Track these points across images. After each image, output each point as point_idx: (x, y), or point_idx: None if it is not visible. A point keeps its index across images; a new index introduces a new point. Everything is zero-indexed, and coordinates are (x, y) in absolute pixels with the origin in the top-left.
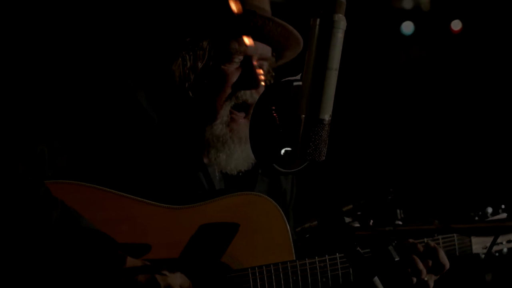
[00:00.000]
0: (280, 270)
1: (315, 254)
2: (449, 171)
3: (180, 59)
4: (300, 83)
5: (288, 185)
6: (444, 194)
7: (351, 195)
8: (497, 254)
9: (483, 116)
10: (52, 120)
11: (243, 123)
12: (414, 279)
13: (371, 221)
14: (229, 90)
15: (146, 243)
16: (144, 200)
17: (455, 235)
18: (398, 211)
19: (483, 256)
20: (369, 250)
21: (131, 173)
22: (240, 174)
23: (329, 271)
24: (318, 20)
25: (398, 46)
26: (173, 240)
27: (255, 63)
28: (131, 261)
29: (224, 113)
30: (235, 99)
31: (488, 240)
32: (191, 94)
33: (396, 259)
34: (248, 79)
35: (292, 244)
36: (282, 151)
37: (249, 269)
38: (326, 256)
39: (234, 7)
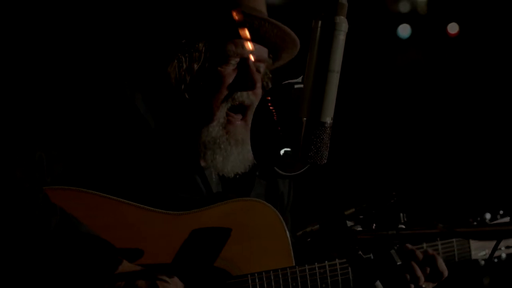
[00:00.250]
0: (280, 276)
1: (316, 258)
2: (449, 175)
3: (176, 61)
4: (302, 85)
5: (285, 188)
6: (444, 199)
7: (353, 198)
8: (495, 260)
9: (480, 118)
10: (50, 126)
11: (239, 125)
12: (412, 286)
13: (374, 224)
14: (225, 92)
15: (144, 249)
16: (142, 206)
17: (454, 240)
18: (401, 215)
19: (482, 262)
20: (371, 254)
21: (129, 179)
22: (237, 176)
23: (328, 277)
24: (319, 22)
25: (394, 49)
26: (172, 246)
27: (251, 64)
28: (130, 267)
29: (221, 115)
30: (232, 100)
31: (487, 245)
32: (187, 96)
33: (398, 263)
34: (245, 80)
35: (291, 249)
36: (283, 154)
37: (249, 276)
38: (326, 262)
39: (236, 16)
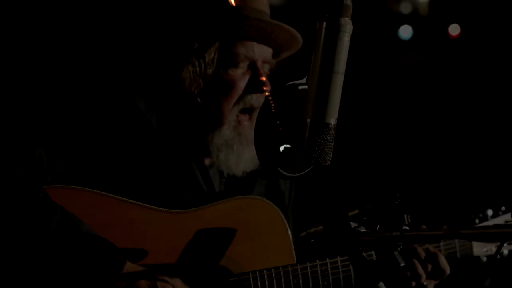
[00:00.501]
0: (281, 274)
1: (318, 258)
2: (451, 173)
3: (190, 65)
4: (306, 87)
5: (286, 188)
6: (446, 196)
7: (357, 200)
8: (498, 256)
9: (481, 118)
10: (51, 125)
11: (247, 125)
12: (413, 283)
13: (378, 226)
14: (237, 95)
15: (145, 248)
16: (143, 204)
17: None
18: (405, 216)
19: (484, 259)
20: (374, 254)
21: (129, 177)
22: (244, 175)
23: (330, 275)
24: (324, 23)
25: (396, 50)
26: (173, 245)
27: (260, 66)
28: (131, 267)
29: (231, 117)
30: (243, 103)
31: (489, 243)
32: (199, 100)
33: (401, 265)
34: (255, 83)
35: (293, 247)
36: (284, 151)
37: (250, 273)
38: (327, 259)
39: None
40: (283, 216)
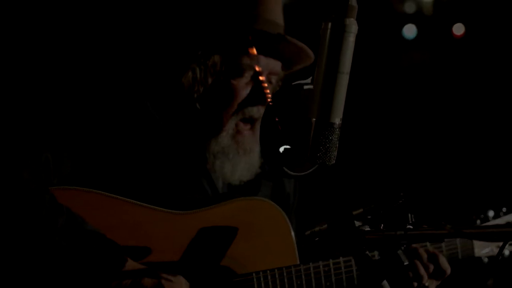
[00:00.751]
0: (285, 274)
1: (321, 258)
2: (453, 173)
3: (190, 72)
4: (311, 86)
5: (291, 189)
6: (448, 197)
7: (361, 199)
8: (500, 257)
9: (485, 119)
10: (57, 128)
11: (248, 135)
12: (415, 284)
13: (382, 225)
14: (237, 105)
15: (150, 247)
16: (147, 205)
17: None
18: (409, 215)
19: (485, 259)
20: (378, 253)
21: (135, 179)
22: (242, 183)
23: (333, 275)
24: (329, 24)
25: (400, 49)
26: (177, 245)
27: (264, 78)
28: (136, 266)
29: (230, 126)
30: (242, 114)
31: (491, 243)
32: (198, 106)
33: (405, 264)
34: (257, 95)
35: (296, 248)
36: (284, 151)
37: (254, 274)
38: (330, 260)
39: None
40: (287, 218)
